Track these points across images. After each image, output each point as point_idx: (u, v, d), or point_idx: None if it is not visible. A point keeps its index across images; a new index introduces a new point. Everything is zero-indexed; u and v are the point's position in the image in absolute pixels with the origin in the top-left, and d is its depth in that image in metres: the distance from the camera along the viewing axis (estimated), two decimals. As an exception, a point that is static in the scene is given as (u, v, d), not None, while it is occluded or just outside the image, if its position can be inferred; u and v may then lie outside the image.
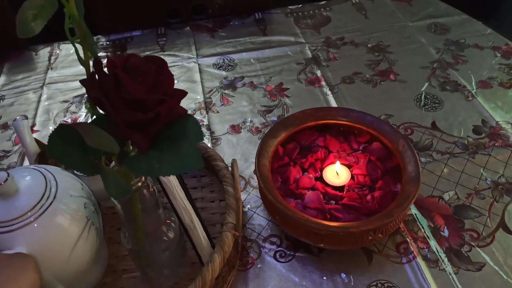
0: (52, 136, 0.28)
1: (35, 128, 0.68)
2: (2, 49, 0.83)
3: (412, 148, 0.51)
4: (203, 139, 0.29)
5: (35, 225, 0.36)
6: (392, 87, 0.71)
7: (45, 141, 0.66)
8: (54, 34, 0.77)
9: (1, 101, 0.74)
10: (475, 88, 0.69)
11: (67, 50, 0.84)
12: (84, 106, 0.32)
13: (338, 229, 0.45)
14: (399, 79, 0.72)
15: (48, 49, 0.84)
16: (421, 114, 0.66)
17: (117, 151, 0.31)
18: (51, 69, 0.80)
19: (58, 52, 0.83)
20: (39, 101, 0.73)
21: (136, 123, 0.29)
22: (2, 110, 0.72)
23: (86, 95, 0.31)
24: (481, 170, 0.58)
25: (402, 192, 0.48)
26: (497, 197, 0.54)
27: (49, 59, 0.82)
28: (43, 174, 0.39)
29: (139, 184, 0.36)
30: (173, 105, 0.31)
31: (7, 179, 0.36)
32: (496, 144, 0.61)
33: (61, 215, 0.38)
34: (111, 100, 0.28)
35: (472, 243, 0.50)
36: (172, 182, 0.45)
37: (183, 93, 0.32)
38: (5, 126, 0.69)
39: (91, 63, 0.30)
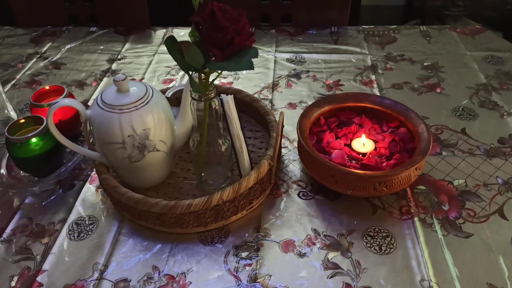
0: (168, 37, 0.46)
1: (143, 81, 0.89)
2: (131, 25, 1.09)
3: (430, 132, 0.62)
4: (257, 56, 0.44)
5: (135, 112, 0.54)
6: (435, 97, 0.81)
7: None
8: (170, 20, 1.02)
9: (123, 59, 0.97)
10: (512, 110, 0.77)
11: (177, 33, 1.06)
12: (189, 35, 0.49)
13: (348, 171, 0.57)
14: (443, 92, 0.82)
15: (164, 30, 1.08)
16: (454, 121, 0.75)
17: (201, 65, 0.48)
18: (163, 44, 1.02)
19: (171, 33, 1.06)
20: (149, 64, 0.95)
21: (218, 42, 0.46)
22: (123, 65, 0.95)
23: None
24: (495, 170, 0.65)
25: (410, 160, 0.59)
26: (502, 191, 0.62)
27: (163, 38, 1.05)
28: (147, 87, 0.57)
29: (211, 95, 0.52)
30: (244, 38, 0.47)
31: (124, 79, 0.54)
32: (516, 154, 0.68)
33: (152, 110, 0.55)
34: (206, 23, 0.45)
35: (467, 219, 0.58)
36: (233, 114, 0.61)
37: (252, 35, 0.48)
38: (123, 76, 0.92)
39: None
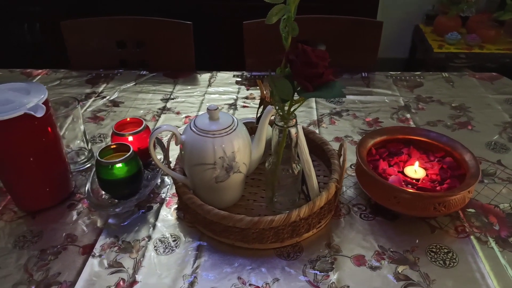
0: (269, 74, 0.54)
1: (197, 118, 0.98)
2: (179, 70, 1.19)
3: (476, 160, 0.69)
4: (345, 88, 0.52)
5: (226, 137, 0.61)
6: (468, 133, 0.90)
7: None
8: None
9: (176, 98, 1.06)
10: (540, 144, 0.85)
11: (221, 77, 1.16)
12: (277, 70, 0.57)
13: (411, 192, 0.64)
14: (475, 129, 0.91)
15: (209, 74, 1.18)
16: (489, 153, 0.83)
17: (289, 98, 0.56)
18: (210, 86, 1.12)
19: (215, 77, 1.16)
20: (201, 103, 1.04)
21: (308, 76, 0.54)
22: (177, 104, 1.04)
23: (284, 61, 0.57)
24: (535, 195, 0.72)
25: (464, 183, 0.66)
26: (545, 213, 0.68)
27: (209, 80, 1.15)
28: (232, 116, 0.65)
29: (291, 123, 0.60)
30: (329, 73, 0.55)
31: (216, 109, 0.62)
32: (551, 182, 0.75)
33: (238, 136, 0.63)
34: (300, 60, 0.54)
35: (518, 237, 0.65)
36: (302, 141, 0.68)
37: (336, 70, 0.57)
38: (178, 113, 1.00)
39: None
